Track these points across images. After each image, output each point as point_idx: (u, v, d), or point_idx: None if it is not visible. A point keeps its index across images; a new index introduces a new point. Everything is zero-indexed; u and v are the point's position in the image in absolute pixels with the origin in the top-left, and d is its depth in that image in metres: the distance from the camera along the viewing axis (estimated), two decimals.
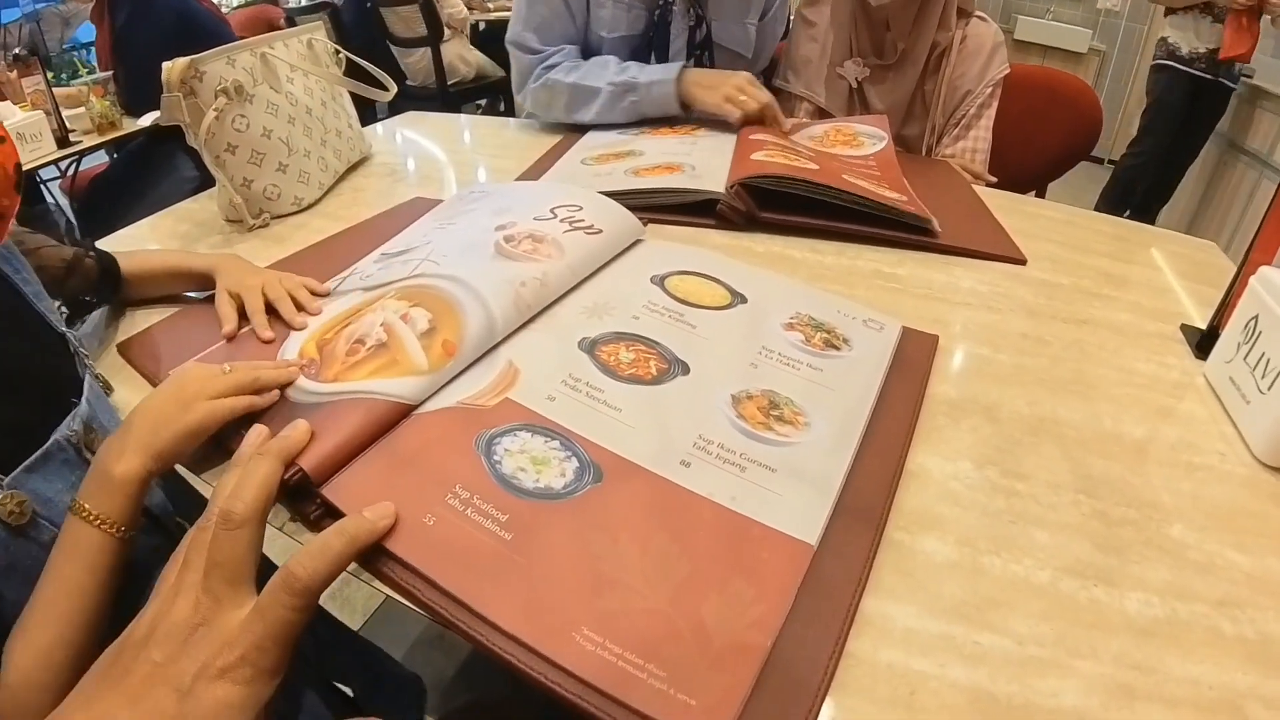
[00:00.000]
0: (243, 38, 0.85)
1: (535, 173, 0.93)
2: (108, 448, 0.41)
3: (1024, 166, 1.19)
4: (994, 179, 1.05)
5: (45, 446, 0.43)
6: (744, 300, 0.59)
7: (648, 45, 1.10)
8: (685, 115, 1.05)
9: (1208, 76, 2.54)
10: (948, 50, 1.04)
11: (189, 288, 0.64)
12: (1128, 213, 2.77)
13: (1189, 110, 2.64)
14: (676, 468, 0.42)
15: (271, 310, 0.57)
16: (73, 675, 0.36)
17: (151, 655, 0.29)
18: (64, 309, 0.59)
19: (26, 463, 0.42)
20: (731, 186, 0.77)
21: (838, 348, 0.54)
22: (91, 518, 0.38)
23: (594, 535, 0.37)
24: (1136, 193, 2.86)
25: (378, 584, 0.37)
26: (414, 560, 0.36)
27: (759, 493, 0.41)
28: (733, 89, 0.98)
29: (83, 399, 0.47)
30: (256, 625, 0.30)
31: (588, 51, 1.13)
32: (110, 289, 0.62)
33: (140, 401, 0.44)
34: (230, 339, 0.55)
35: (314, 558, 0.32)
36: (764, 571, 0.36)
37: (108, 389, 0.53)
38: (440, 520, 0.38)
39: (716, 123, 1.03)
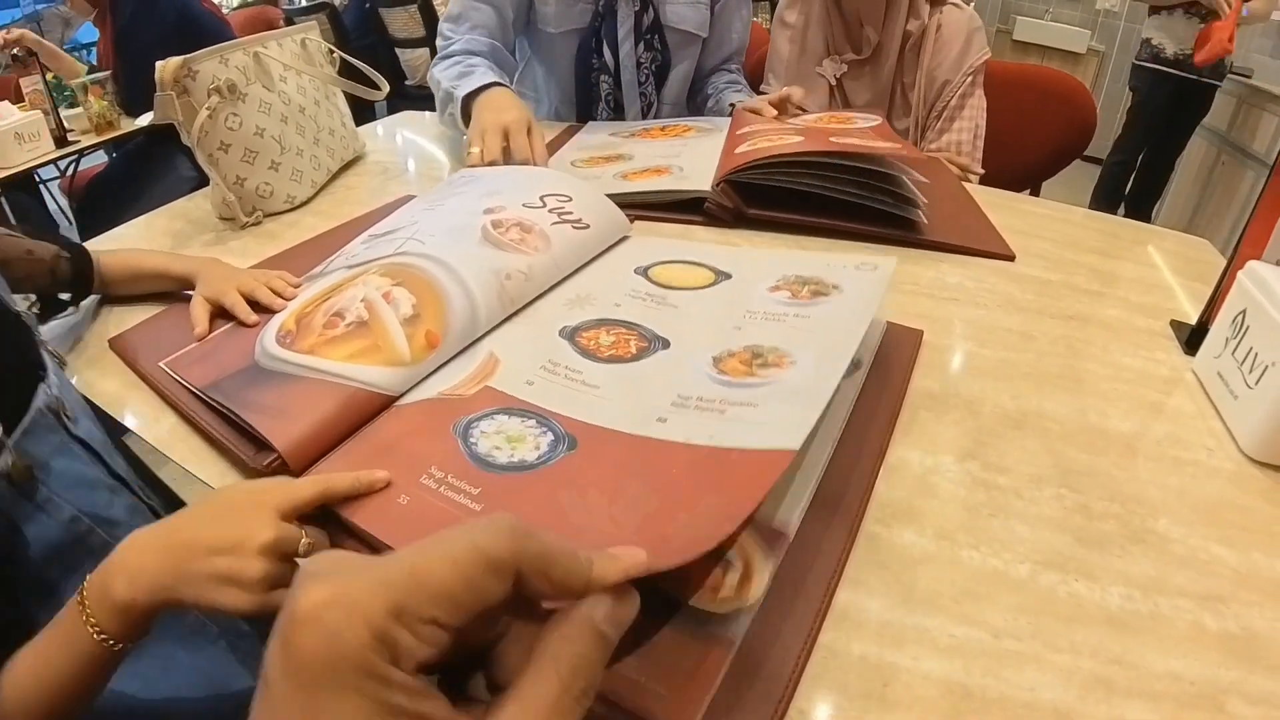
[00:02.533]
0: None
1: None
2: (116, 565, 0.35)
3: (1018, 165, 1.18)
4: (982, 170, 1.04)
5: (30, 414, 0.44)
6: (728, 277, 0.58)
7: (596, 36, 1.09)
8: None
9: (1192, 77, 2.54)
10: (922, 39, 1.03)
11: (173, 289, 0.65)
12: (1121, 213, 2.76)
13: (1173, 111, 2.63)
14: (653, 424, 0.41)
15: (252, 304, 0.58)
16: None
17: None
18: (35, 307, 0.61)
19: (22, 426, 0.43)
20: (718, 183, 0.77)
21: (826, 295, 0.52)
22: (93, 627, 0.34)
23: (563, 493, 0.37)
24: (1123, 192, 2.86)
25: None
26: (383, 536, 0.36)
27: (740, 425, 0.39)
28: (477, 133, 0.85)
29: (49, 371, 0.48)
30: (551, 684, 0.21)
31: (539, 47, 1.14)
32: (82, 288, 0.63)
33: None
34: (200, 340, 0.56)
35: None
36: (736, 484, 0.34)
37: (61, 363, 0.56)
38: (414, 499, 0.38)
39: (709, 121, 1.03)
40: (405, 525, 0.37)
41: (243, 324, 0.56)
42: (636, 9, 1.08)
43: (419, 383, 0.48)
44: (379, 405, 0.45)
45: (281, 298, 0.58)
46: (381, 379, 0.46)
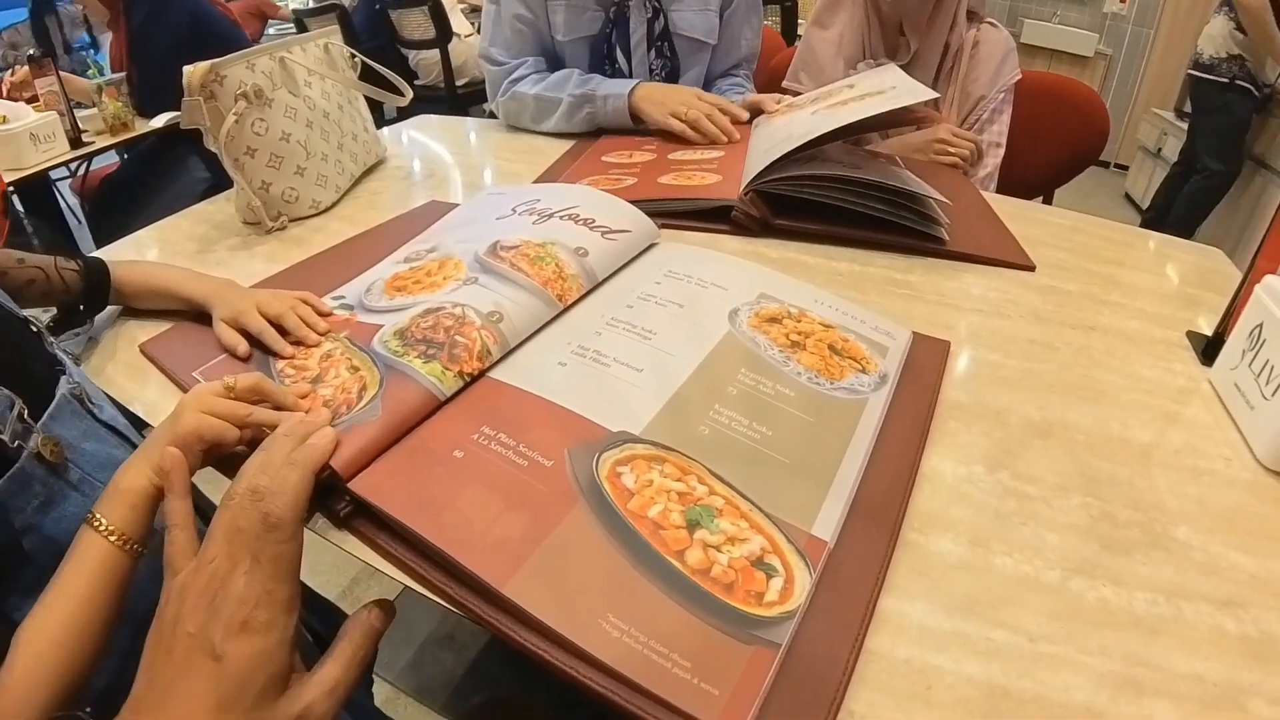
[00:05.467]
0: (249, 34, 0.86)
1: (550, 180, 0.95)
2: (124, 463, 0.42)
3: (1031, 173, 1.20)
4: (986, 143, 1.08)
5: (56, 400, 0.46)
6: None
7: (607, 43, 1.12)
8: (638, 128, 1.08)
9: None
10: (959, 53, 1.06)
11: (185, 308, 0.62)
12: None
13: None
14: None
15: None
16: (67, 676, 0.37)
17: (186, 628, 0.32)
18: (51, 321, 0.61)
19: (48, 411, 0.44)
20: (746, 193, 0.78)
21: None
22: (104, 529, 0.39)
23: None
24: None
25: (403, 578, 0.39)
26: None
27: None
28: (677, 104, 1.01)
29: (66, 366, 0.50)
30: (256, 573, 0.33)
31: (554, 57, 1.16)
32: (98, 299, 0.62)
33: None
34: (248, 358, 0.54)
35: (277, 494, 0.35)
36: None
37: (76, 360, 0.56)
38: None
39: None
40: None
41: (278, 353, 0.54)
42: (649, 16, 1.09)
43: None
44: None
45: (314, 331, 0.55)
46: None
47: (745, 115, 1.03)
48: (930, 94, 0.77)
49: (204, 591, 0.32)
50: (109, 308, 0.64)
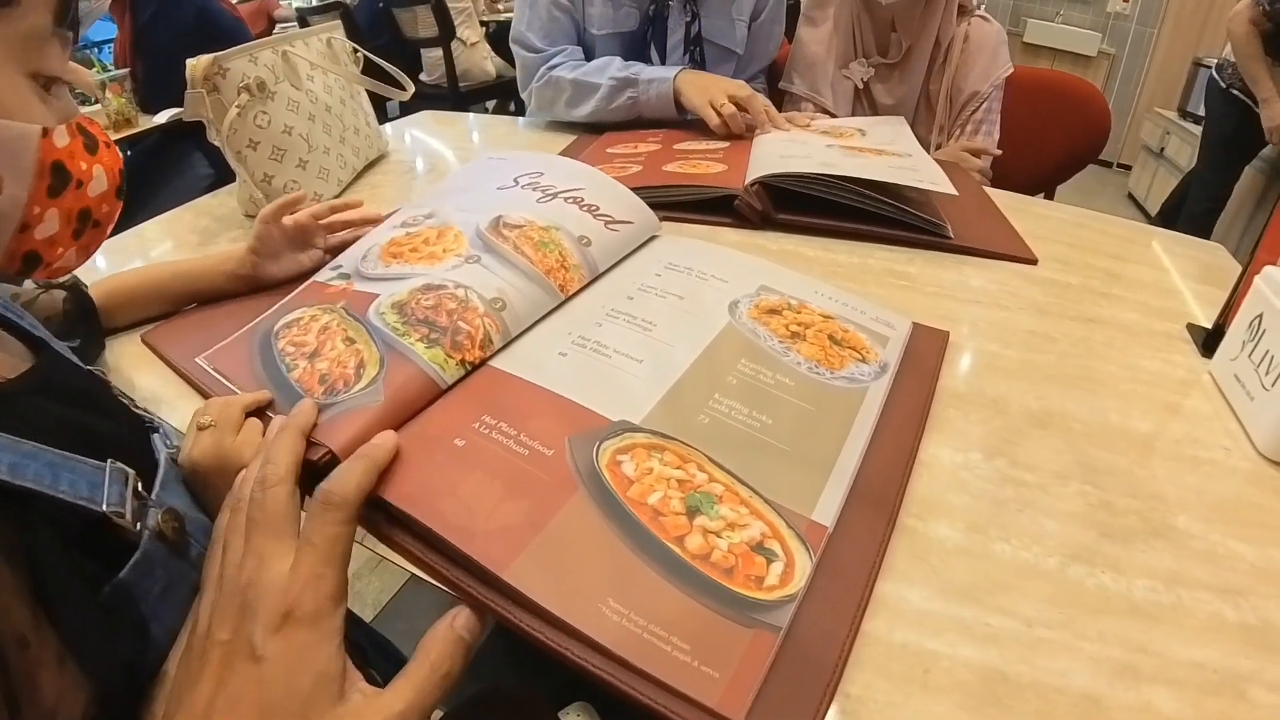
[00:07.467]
0: (255, 35, 0.86)
1: None
2: None
3: (1032, 170, 1.20)
4: (998, 151, 1.07)
5: (162, 466, 0.42)
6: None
7: (643, 41, 1.12)
8: (681, 117, 1.07)
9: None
10: (950, 48, 1.06)
11: (211, 289, 0.62)
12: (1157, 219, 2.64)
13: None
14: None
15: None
16: None
17: (218, 637, 0.29)
18: None
19: (159, 480, 0.40)
20: (752, 184, 0.78)
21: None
22: None
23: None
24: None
25: (406, 564, 0.39)
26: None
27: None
28: (719, 92, 1.00)
29: (154, 420, 0.46)
30: (307, 554, 0.30)
31: (586, 51, 1.16)
32: (91, 329, 0.57)
33: None
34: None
35: (342, 475, 0.34)
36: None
37: (148, 414, 0.51)
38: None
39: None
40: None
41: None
42: (687, 19, 1.10)
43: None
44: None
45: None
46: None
47: (786, 126, 1.00)
48: (951, 190, 0.75)
49: (233, 597, 0.30)
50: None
